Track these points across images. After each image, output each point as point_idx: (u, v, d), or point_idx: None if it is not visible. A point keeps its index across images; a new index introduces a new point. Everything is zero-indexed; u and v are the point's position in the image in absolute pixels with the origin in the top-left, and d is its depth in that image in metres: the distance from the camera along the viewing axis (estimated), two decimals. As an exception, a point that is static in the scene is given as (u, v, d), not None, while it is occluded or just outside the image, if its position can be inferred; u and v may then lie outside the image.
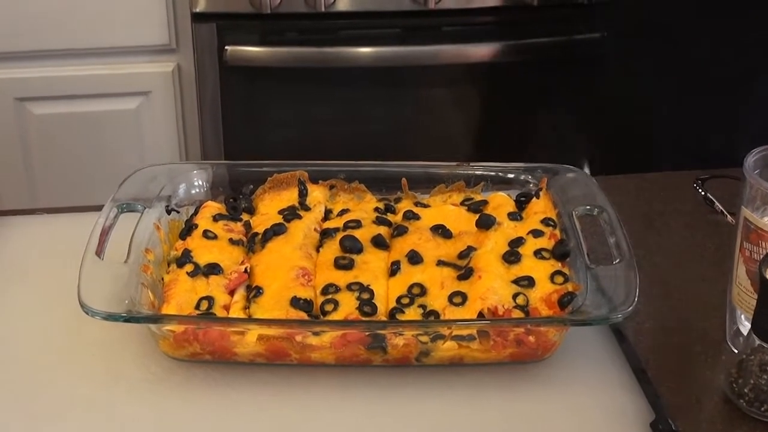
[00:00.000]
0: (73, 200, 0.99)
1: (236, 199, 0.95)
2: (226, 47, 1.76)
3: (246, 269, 0.85)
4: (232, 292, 0.84)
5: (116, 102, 1.84)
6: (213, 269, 0.85)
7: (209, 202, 0.94)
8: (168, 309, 0.81)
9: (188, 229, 0.90)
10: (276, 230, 0.90)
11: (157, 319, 0.79)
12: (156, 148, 1.88)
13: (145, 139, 1.87)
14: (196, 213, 0.93)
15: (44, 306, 0.88)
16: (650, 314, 0.88)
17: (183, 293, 0.82)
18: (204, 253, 0.86)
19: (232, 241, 0.89)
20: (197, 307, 0.81)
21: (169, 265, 0.87)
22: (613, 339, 0.85)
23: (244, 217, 0.94)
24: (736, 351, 0.82)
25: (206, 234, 0.89)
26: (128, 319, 0.77)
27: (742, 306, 0.82)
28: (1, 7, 1.74)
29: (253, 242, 0.89)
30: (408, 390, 0.80)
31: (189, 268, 0.85)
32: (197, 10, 1.76)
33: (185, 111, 1.88)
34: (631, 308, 0.77)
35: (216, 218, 0.91)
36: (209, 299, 0.82)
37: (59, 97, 1.83)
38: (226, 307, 0.82)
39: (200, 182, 0.96)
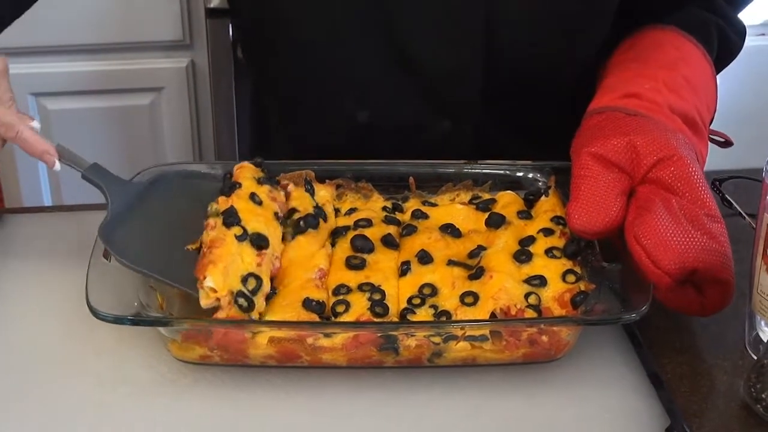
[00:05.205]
0: (86, 196, 0.98)
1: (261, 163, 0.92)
2: (240, 43, 1.75)
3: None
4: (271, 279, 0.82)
5: (130, 98, 1.83)
6: (262, 241, 0.81)
7: (245, 163, 0.91)
8: (214, 271, 0.77)
9: (230, 186, 0.87)
10: (311, 223, 0.88)
11: (166, 321, 0.78)
12: (169, 144, 1.87)
13: (159, 136, 1.87)
14: (229, 176, 0.90)
15: (52, 306, 0.87)
16: (666, 317, 0.86)
17: (230, 256, 0.79)
18: (251, 218, 0.83)
19: (276, 216, 0.86)
20: (244, 282, 0.78)
21: (208, 217, 0.84)
22: (627, 341, 0.84)
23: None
24: (755, 356, 0.81)
25: (253, 197, 0.86)
26: (136, 322, 0.76)
27: (763, 314, 0.80)
28: (15, 3, 1.74)
29: (286, 223, 0.88)
30: (420, 392, 0.79)
31: (237, 231, 0.81)
32: (211, 5, 1.75)
33: (199, 107, 1.88)
34: (645, 308, 0.75)
35: (261, 181, 0.89)
36: (258, 279, 0.79)
37: (73, 92, 1.83)
38: (266, 298, 0.80)
39: None
